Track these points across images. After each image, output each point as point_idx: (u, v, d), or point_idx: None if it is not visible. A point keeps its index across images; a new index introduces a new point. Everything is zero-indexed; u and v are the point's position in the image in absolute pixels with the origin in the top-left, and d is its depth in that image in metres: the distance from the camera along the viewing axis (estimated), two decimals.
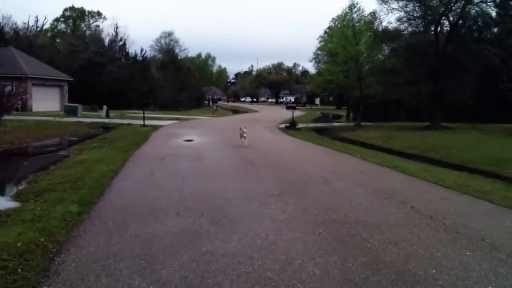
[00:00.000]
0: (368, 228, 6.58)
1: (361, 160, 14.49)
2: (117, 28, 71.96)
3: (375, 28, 31.17)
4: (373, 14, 31.95)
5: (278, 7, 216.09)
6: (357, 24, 32.79)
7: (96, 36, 72.82)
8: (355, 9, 32.92)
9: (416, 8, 28.56)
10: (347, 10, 33.23)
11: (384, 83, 31.86)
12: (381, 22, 31.52)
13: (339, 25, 35.51)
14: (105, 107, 37.85)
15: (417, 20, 29.10)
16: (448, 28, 29.01)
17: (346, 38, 32.49)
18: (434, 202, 8.39)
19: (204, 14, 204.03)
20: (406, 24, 29.17)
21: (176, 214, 7.24)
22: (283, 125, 31.20)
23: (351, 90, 36.54)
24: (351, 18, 32.90)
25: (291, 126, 29.12)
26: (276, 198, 8.43)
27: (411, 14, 28.91)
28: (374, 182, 10.37)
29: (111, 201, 8.11)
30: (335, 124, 35.72)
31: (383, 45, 31.25)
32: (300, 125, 30.21)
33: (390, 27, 30.32)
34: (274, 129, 28.93)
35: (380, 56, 33.25)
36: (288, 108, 33.98)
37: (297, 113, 32.66)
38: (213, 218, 6.98)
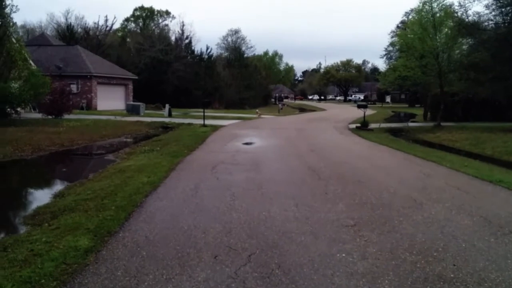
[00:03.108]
0: None
1: (452, 171, 11.87)
2: (183, 26, 71.69)
3: (459, 17, 27.84)
4: (458, 2, 28.70)
5: (347, 2, 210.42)
6: (437, 15, 29.56)
7: (163, 34, 72.85)
8: None
9: None
10: None
11: (467, 79, 28.45)
12: (466, 11, 28.11)
13: (416, 17, 32.32)
14: (167, 106, 36.85)
15: (509, 7, 25.51)
16: None
17: (424, 30, 29.33)
18: None
19: (271, 11, 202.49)
20: (496, 12, 25.66)
21: (213, 257, 5.24)
22: (353, 125, 28.62)
23: (429, 87, 33.18)
24: (430, 8, 29.68)
25: (362, 127, 26.50)
26: (352, 232, 6.24)
27: (502, 0, 25.37)
28: (480, 206, 7.86)
29: (134, 232, 6.24)
30: (411, 124, 32.51)
31: (468, 37, 27.83)
32: (372, 125, 27.51)
33: (476, 16, 26.98)
34: (344, 129, 26.43)
35: (464, 48, 29.75)
36: (359, 107, 31.22)
37: (368, 111, 29.91)
38: (263, 268, 4.93)
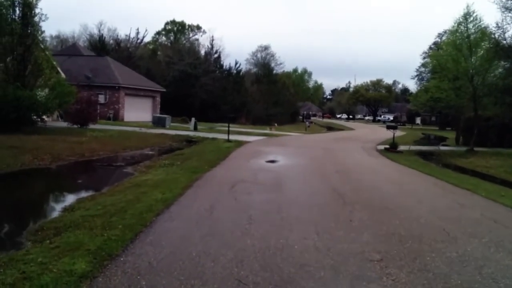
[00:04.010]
0: None
1: (489, 202, 10.99)
2: (212, 40, 71.95)
3: (496, 39, 26.81)
4: (495, 23, 27.58)
5: (379, 22, 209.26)
6: (472, 36, 28.60)
7: (192, 48, 73.27)
8: (471, 18, 28.74)
9: None
10: (461, 19, 29.10)
11: (502, 103, 27.31)
12: (504, 32, 27.08)
13: (450, 37, 31.39)
14: (193, 119, 36.63)
15: None
16: None
17: (458, 51, 28.37)
18: None
19: (302, 28, 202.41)
20: None
21: None
22: (382, 147, 27.70)
23: (462, 110, 32.04)
24: (466, 28, 28.73)
25: (391, 148, 25.57)
26: (378, 268, 5.55)
27: None
28: None
29: (138, 256, 5.69)
30: (442, 148, 31.43)
31: (505, 60, 26.74)
32: (401, 148, 26.55)
33: None
34: (372, 150, 25.57)
35: (500, 71, 28.60)
36: (388, 128, 30.31)
37: (397, 133, 28.93)
38: None
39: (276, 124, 47.07)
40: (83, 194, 10.69)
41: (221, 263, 5.52)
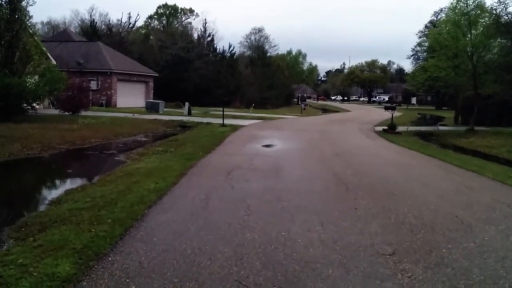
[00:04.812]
0: None
1: (498, 184, 10.52)
2: (205, 23, 70.61)
3: (497, 14, 26.19)
4: None
5: (373, 1, 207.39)
6: (472, 13, 27.96)
7: (185, 32, 72.17)
8: None
9: None
10: None
11: (502, 81, 26.78)
12: (505, 8, 26.48)
13: (449, 14, 30.70)
14: (187, 104, 35.97)
15: None
16: None
17: (458, 28, 27.77)
18: None
19: (295, 10, 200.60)
20: None
21: None
22: (379, 128, 27.21)
23: (461, 88, 31.48)
24: (465, 4, 28.08)
25: (389, 129, 25.08)
26: (391, 264, 5.07)
27: None
28: None
29: (127, 255, 5.19)
30: (441, 128, 30.97)
31: (507, 36, 26.15)
32: (399, 128, 26.05)
33: None
34: (370, 132, 25.08)
35: (501, 48, 27.96)
36: (386, 108, 29.67)
37: (395, 113, 28.40)
38: None
39: (253, 105, 46.49)
40: (72, 184, 10.17)
41: (218, 261, 5.03)
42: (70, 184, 10.43)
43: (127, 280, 4.52)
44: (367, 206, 7.73)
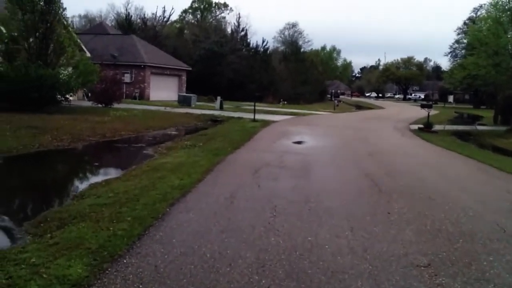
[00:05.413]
0: None
1: None
2: (239, 18, 70.91)
3: None
4: None
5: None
6: None
7: (219, 26, 72.10)
8: None
9: None
10: None
11: None
12: None
13: (490, 10, 29.55)
14: (219, 98, 35.76)
15: None
16: None
17: (499, 25, 26.68)
18: None
19: (330, 5, 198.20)
20: None
21: None
22: (415, 126, 26.40)
23: (502, 87, 30.29)
24: (508, 1, 26.93)
25: (426, 128, 24.26)
26: (426, 277, 4.64)
27: None
28: None
29: (143, 258, 4.92)
30: (479, 127, 29.87)
31: None
32: (436, 127, 25.18)
33: None
34: (405, 130, 24.32)
35: None
36: (423, 106, 28.77)
37: (431, 112, 27.46)
38: None
39: (285, 102, 46.49)
40: (98, 178, 10.01)
41: (239, 268, 4.70)
42: (95, 177, 10.29)
43: (140, 286, 4.23)
44: (401, 210, 7.26)
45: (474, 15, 61.30)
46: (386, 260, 5.07)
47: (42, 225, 6.38)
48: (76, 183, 10.30)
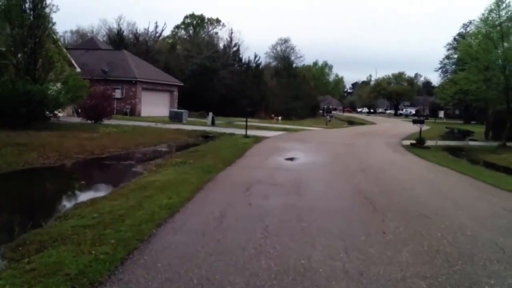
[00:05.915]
0: None
1: None
2: (231, 33, 70.58)
3: None
4: None
5: (399, 15, 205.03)
6: (504, 24, 26.93)
7: (211, 41, 72.19)
8: (504, 5, 27.08)
9: None
10: (492, 6, 27.47)
11: None
12: None
13: (480, 26, 29.67)
14: (210, 114, 35.56)
15: None
16: None
17: (489, 40, 26.78)
18: None
19: (322, 21, 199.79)
20: None
21: None
22: (407, 142, 26.28)
23: (493, 102, 30.28)
24: (497, 16, 27.08)
25: (418, 144, 24.14)
26: None
27: None
28: None
29: (125, 285, 4.62)
30: (471, 143, 29.81)
31: None
32: (428, 143, 25.07)
33: None
34: (397, 146, 24.19)
35: None
36: (415, 122, 28.68)
37: (423, 127, 27.37)
38: None
39: (280, 118, 46.68)
40: (83, 197, 9.67)
41: None
42: (80, 196, 9.96)
43: None
44: (397, 229, 7.02)
45: (464, 31, 61.96)
46: (383, 285, 4.80)
47: (20, 248, 6.05)
48: (60, 202, 9.93)
